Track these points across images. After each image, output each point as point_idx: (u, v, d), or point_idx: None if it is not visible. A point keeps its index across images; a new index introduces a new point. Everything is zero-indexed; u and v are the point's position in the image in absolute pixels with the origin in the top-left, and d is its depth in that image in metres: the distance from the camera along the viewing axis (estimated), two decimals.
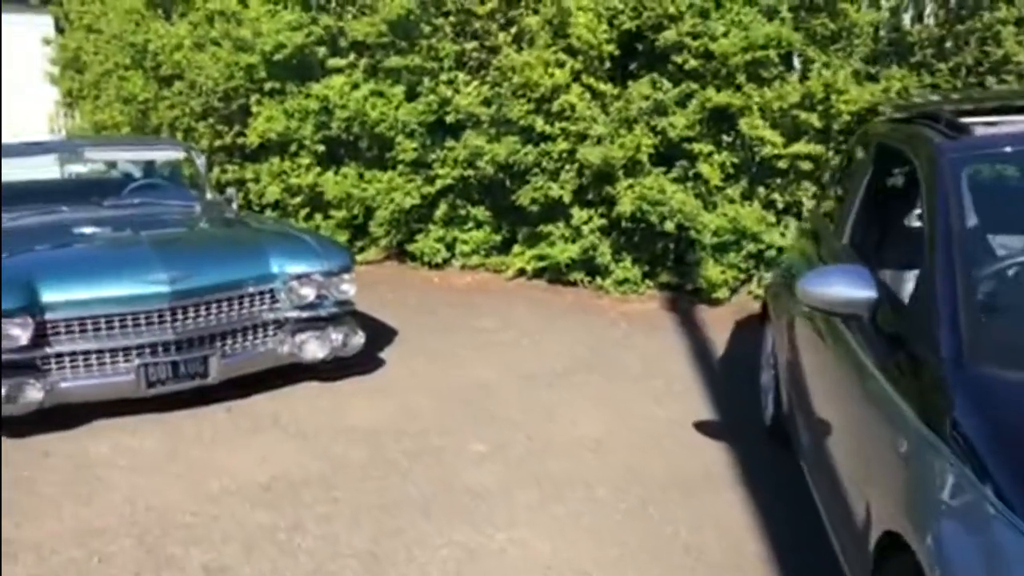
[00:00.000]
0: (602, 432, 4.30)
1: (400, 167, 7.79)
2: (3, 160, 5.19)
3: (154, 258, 4.43)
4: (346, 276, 4.81)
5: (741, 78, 6.16)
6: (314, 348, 4.73)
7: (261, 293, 4.69)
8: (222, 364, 4.48)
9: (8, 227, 4.89)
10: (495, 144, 6.90)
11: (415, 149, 7.60)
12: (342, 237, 7.90)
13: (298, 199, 8.22)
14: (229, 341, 4.58)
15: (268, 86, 8.28)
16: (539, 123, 6.49)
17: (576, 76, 6.47)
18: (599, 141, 6.40)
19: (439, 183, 7.42)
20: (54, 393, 4.17)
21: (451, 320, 6.30)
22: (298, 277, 4.71)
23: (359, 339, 4.85)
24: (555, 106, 6.38)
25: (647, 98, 6.28)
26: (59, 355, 4.22)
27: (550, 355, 5.48)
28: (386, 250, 8.23)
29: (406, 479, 3.83)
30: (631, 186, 6.37)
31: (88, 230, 4.86)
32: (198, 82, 8.34)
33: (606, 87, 6.42)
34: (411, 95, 7.64)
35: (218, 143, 8.59)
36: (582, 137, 6.43)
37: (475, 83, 7.01)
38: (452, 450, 4.12)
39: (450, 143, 7.34)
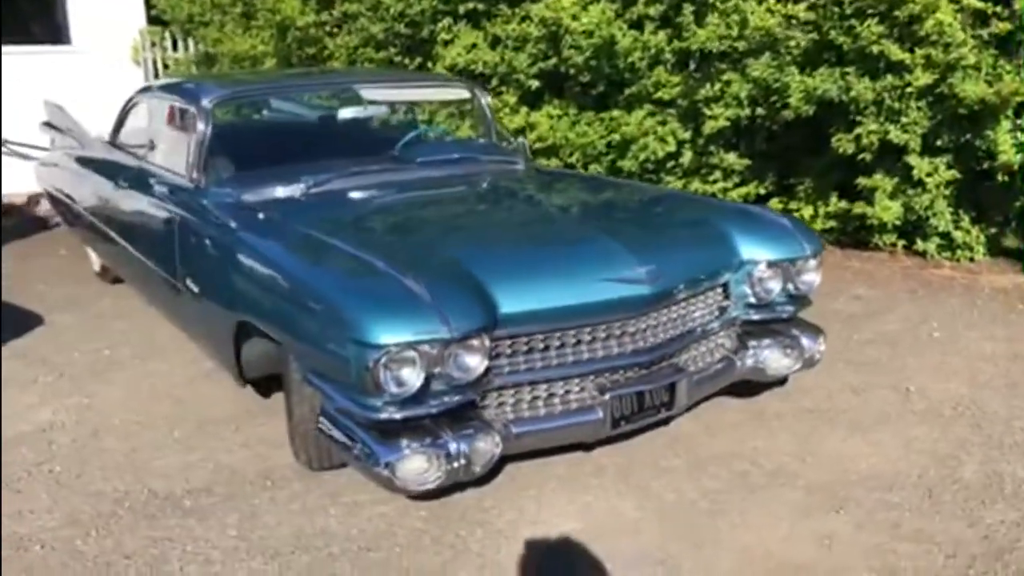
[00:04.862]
0: None
1: (648, 107, 6.49)
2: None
3: (616, 247, 3.14)
4: (813, 263, 3.57)
5: None
6: (781, 360, 3.51)
7: (714, 288, 3.45)
8: (688, 389, 3.25)
9: (337, 200, 3.63)
10: (804, 77, 5.60)
11: (677, 84, 6.28)
12: None
13: None
14: (692, 356, 3.35)
15: (465, 8, 6.87)
16: (895, 50, 5.18)
17: None
18: (967, 73, 5.14)
19: (709, 126, 6.11)
20: (507, 442, 2.93)
21: None
22: (770, 265, 3.45)
23: (823, 345, 3.63)
24: (925, 28, 5.06)
25: None
26: (514, 388, 2.97)
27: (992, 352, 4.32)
28: None
29: None
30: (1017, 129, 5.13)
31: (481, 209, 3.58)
32: (383, 3, 6.88)
33: (985, 4, 5.11)
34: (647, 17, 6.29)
35: None
36: (949, 68, 5.15)
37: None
38: None
39: (728, 76, 6.01)
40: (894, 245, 5.96)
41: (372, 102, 4.46)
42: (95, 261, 5.77)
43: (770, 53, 5.78)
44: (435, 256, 3.02)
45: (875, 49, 5.21)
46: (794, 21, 5.67)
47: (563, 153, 6.83)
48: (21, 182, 7.94)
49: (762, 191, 6.42)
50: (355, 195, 3.81)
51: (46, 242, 7.03)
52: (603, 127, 6.79)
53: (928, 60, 5.13)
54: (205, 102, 4.00)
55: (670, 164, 6.57)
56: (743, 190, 6.38)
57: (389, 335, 2.64)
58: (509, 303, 2.85)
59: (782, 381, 3.85)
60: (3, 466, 3.43)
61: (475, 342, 2.76)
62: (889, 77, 5.28)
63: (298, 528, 2.97)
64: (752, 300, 3.50)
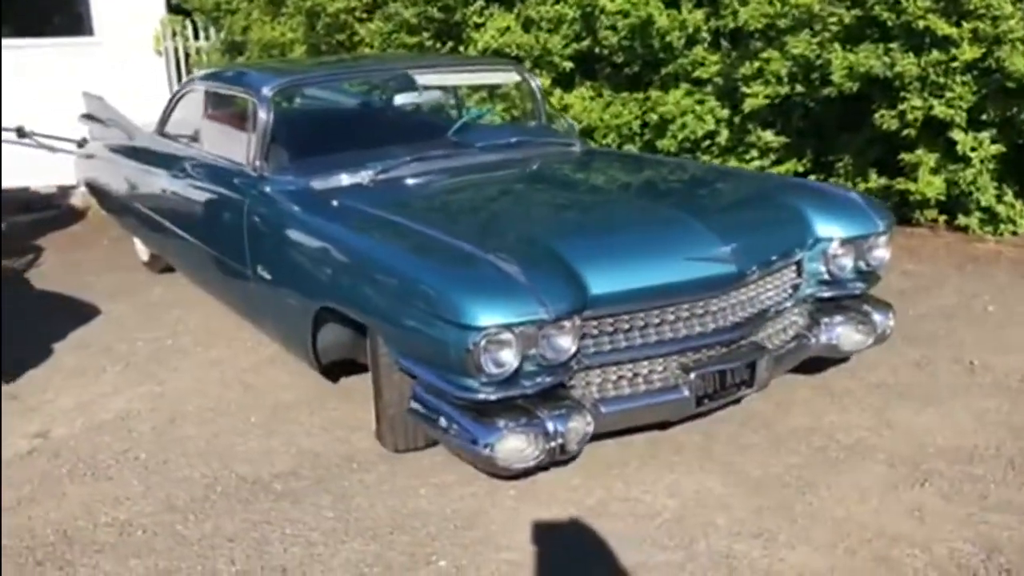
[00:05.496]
0: None
1: (685, 86, 6.50)
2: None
3: (700, 227, 3.17)
4: (884, 239, 3.60)
5: None
6: (853, 336, 3.55)
7: (788, 266, 3.48)
8: (768, 367, 3.29)
9: (414, 182, 3.66)
10: (846, 53, 5.60)
11: (716, 63, 6.29)
12: None
13: None
14: (769, 334, 3.39)
15: None
16: (942, 25, 5.18)
17: None
18: (1014, 47, 5.14)
19: (749, 104, 6.12)
20: (597, 421, 2.96)
21: None
22: (843, 242, 3.48)
23: (892, 320, 3.66)
24: (972, 1, 5.06)
25: None
26: (600, 368, 3.01)
27: None
28: None
29: None
30: None
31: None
32: None
33: None
34: None
35: None
36: (996, 41, 5.15)
37: None
38: None
39: (767, 53, 6.02)
40: (935, 220, 5.99)
41: (427, 87, 4.46)
42: (142, 251, 5.80)
43: (809, 30, 5.78)
44: (522, 239, 3.05)
45: (921, 24, 5.21)
46: None
47: (597, 134, 6.85)
48: (49, 174, 7.97)
49: (800, 168, 6.44)
50: (423, 180, 3.84)
51: (86, 233, 7.07)
52: (638, 107, 6.81)
53: (975, 34, 5.13)
54: (265, 90, 4.02)
55: (706, 143, 6.59)
56: (781, 168, 6.40)
57: (489, 317, 2.67)
58: (599, 284, 2.88)
59: (846, 357, 3.88)
60: (90, 453, 3.48)
61: (568, 323, 2.80)
62: (935, 52, 5.28)
63: (392, 509, 3.02)
64: (825, 277, 3.53)
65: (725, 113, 6.41)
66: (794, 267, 3.49)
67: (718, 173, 4.29)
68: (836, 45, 5.66)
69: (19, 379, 4.20)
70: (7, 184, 7.85)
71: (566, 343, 2.81)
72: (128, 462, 3.41)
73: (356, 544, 2.84)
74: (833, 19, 5.65)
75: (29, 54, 8.41)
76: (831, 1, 5.57)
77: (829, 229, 3.47)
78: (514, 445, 2.76)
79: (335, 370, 3.78)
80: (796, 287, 3.50)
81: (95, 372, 4.25)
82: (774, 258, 3.30)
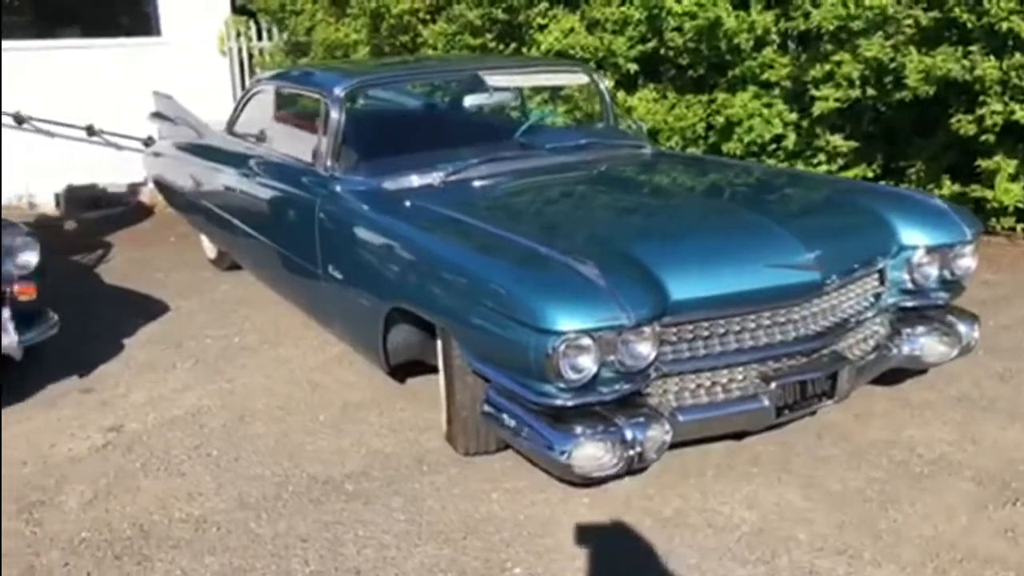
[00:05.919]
0: None
1: (752, 88, 6.39)
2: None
3: (783, 233, 3.09)
4: (970, 247, 3.48)
5: None
6: (937, 348, 3.43)
7: (871, 274, 3.38)
8: (849, 377, 3.19)
9: (484, 184, 3.63)
10: (922, 56, 5.44)
11: (786, 65, 6.17)
12: None
13: None
14: (850, 344, 3.29)
15: None
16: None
17: None
18: None
19: (819, 107, 5.98)
20: (674, 429, 2.90)
21: None
22: (929, 250, 3.37)
23: (977, 332, 3.54)
24: None
25: None
26: (678, 376, 2.95)
27: None
28: None
29: None
30: None
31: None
32: None
33: None
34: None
35: None
36: None
37: None
38: None
39: (839, 56, 5.88)
40: (1012, 229, 5.80)
41: (497, 88, 4.43)
42: (209, 248, 5.88)
43: (882, 32, 5.64)
44: (599, 242, 3.01)
45: (1004, 26, 5.04)
46: None
47: (661, 136, 6.76)
48: (119, 172, 8.14)
49: (869, 174, 6.29)
50: (493, 182, 3.81)
51: (154, 230, 7.19)
52: (703, 109, 6.71)
53: None
54: (338, 91, 4.03)
55: (772, 147, 6.47)
56: (849, 173, 6.25)
57: (569, 322, 2.63)
58: (679, 290, 2.82)
59: (925, 369, 3.76)
60: (163, 448, 3.52)
61: (648, 329, 2.75)
62: (1017, 55, 5.10)
63: (464, 513, 2.99)
64: (908, 286, 3.43)
65: (793, 116, 6.29)
66: (877, 275, 3.39)
67: (795, 177, 4.20)
68: (911, 48, 5.51)
69: (92, 373, 4.26)
70: (79, 181, 8.03)
71: (646, 350, 2.76)
72: (200, 458, 3.44)
73: (429, 548, 2.82)
74: (908, 21, 5.51)
75: (97, 54, 8.57)
76: (912, 4, 5.42)
77: (914, 236, 3.36)
78: (591, 453, 2.71)
79: (402, 370, 3.77)
80: (878, 296, 3.40)
81: (166, 368, 4.31)
82: (857, 266, 3.21)
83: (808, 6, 5.80)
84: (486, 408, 2.98)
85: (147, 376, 4.22)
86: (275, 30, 9.22)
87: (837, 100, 5.92)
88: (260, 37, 9.51)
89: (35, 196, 8.16)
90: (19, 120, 8.04)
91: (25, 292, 3.82)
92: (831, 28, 5.79)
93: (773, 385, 2.98)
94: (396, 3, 7.30)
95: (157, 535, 2.93)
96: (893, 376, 3.66)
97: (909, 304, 3.47)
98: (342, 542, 2.86)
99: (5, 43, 7.78)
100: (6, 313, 3.74)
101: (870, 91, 5.83)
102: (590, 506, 3.00)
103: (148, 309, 5.09)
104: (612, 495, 3.04)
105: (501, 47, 7.20)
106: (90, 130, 8.32)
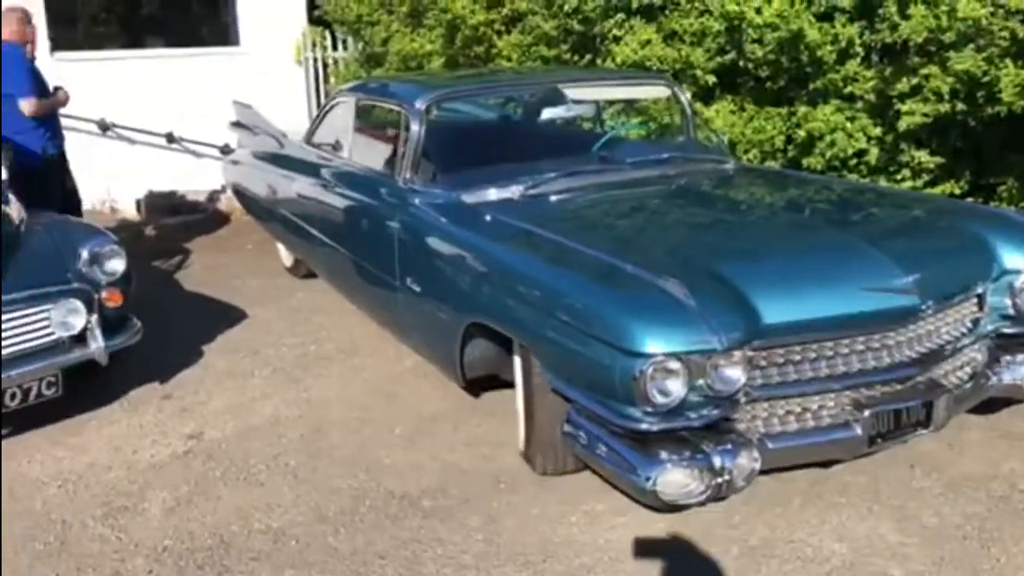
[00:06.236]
0: None
1: (835, 102, 6.22)
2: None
3: (878, 255, 2.98)
4: None
5: None
6: None
7: (969, 299, 3.24)
8: (946, 407, 3.05)
9: (577, 202, 3.61)
10: (1019, 69, 5.23)
11: (872, 79, 6.00)
12: None
13: None
14: (946, 372, 3.15)
15: (639, 2, 6.72)
16: None
17: None
18: None
19: (906, 121, 5.79)
20: (763, 457, 2.81)
21: None
22: None
23: None
24: None
25: None
26: (768, 402, 2.86)
27: None
28: None
29: None
30: None
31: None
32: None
33: None
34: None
35: None
36: None
37: None
38: None
39: (928, 69, 5.69)
40: None
41: (577, 101, 4.38)
42: (286, 256, 5.95)
43: (973, 44, 5.44)
44: (688, 262, 2.93)
45: None
46: (1000, 10, 5.31)
47: (739, 149, 6.63)
48: (196, 179, 8.32)
49: (956, 191, 6.07)
50: (573, 196, 3.77)
51: (231, 236, 7.32)
52: (782, 122, 6.56)
53: None
54: (419, 104, 4.03)
55: (853, 162, 6.29)
56: (935, 189, 6.04)
57: (657, 344, 2.57)
58: (771, 313, 2.73)
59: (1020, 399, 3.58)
60: (242, 457, 3.55)
61: (738, 353, 2.67)
62: None
63: (543, 536, 2.94)
64: (1009, 312, 3.27)
65: (877, 131, 6.10)
66: (976, 300, 3.24)
67: (884, 194, 4.07)
68: (1008, 61, 5.30)
69: (172, 379, 4.33)
70: (159, 188, 8.24)
71: (736, 374, 2.68)
72: (279, 468, 3.45)
73: (508, 569, 2.77)
74: (1004, 33, 5.30)
75: (180, 63, 8.79)
76: (1008, 16, 5.21)
77: (1017, 260, 3.21)
78: (677, 479, 2.64)
79: (477, 385, 3.74)
80: (977, 321, 3.25)
81: (244, 375, 4.35)
82: (956, 290, 3.07)
83: (897, 18, 5.62)
84: (566, 428, 2.93)
85: (226, 384, 4.28)
86: (350, 40, 9.34)
87: (925, 115, 5.73)
88: (335, 47, 9.64)
89: (117, 201, 8.38)
90: (103, 127, 8.28)
91: (112, 299, 3.90)
92: (919, 40, 5.61)
93: (866, 413, 2.86)
94: (472, 15, 7.32)
95: (237, 546, 2.95)
96: (987, 405, 3.49)
97: (1010, 331, 3.31)
98: (421, 560, 2.83)
99: (94, 53, 8.03)
100: (94, 319, 3.81)
101: (960, 105, 5.62)
102: (671, 532, 2.93)
103: (226, 316, 5.16)
104: (694, 521, 2.96)
105: (576, 59, 7.16)
106: (170, 137, 8.53)
